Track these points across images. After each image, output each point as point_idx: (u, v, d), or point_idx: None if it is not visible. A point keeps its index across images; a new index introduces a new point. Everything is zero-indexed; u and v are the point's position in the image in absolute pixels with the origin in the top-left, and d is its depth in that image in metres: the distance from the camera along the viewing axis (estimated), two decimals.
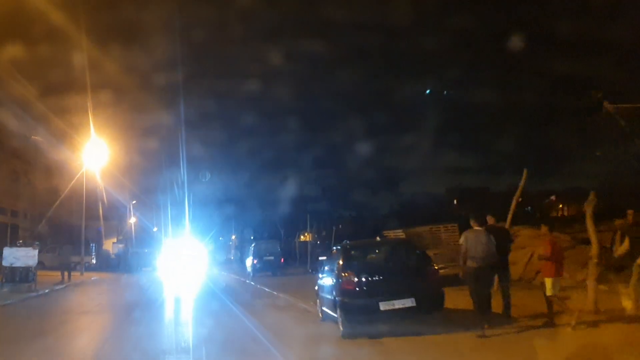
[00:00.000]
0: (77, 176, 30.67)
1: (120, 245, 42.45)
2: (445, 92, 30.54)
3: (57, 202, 31.50)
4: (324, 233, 37.66)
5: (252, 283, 22.80)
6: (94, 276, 28.41)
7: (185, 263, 36.13)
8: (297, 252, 36.91)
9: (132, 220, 48.89)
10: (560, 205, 46.44)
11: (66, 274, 23.66)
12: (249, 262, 29.10)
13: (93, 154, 31.12)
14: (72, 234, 31.92)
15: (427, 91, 30.21)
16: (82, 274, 29.05)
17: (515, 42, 17.33)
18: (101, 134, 30.44)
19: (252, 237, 48.88)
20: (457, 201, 47.31)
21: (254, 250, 28.53)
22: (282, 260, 29.11)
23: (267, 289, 18.66)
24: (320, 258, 34.03)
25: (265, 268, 28.17)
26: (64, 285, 21.78)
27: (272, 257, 28.37)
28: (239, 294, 18.67)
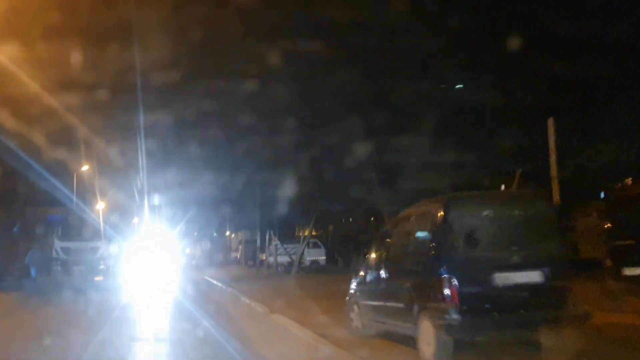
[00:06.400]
0: None
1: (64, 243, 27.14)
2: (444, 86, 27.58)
3: None
4: (322, 231, 37.18)
5: None
6: None
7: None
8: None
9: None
10: None
11: None
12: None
13: None
14: None
15: (458, 86, 27.79)
16: None
17: (514, 43, 17.42)
18: None
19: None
20: None
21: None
22: None
23: None
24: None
25: None
26: None
27: None
28: None
